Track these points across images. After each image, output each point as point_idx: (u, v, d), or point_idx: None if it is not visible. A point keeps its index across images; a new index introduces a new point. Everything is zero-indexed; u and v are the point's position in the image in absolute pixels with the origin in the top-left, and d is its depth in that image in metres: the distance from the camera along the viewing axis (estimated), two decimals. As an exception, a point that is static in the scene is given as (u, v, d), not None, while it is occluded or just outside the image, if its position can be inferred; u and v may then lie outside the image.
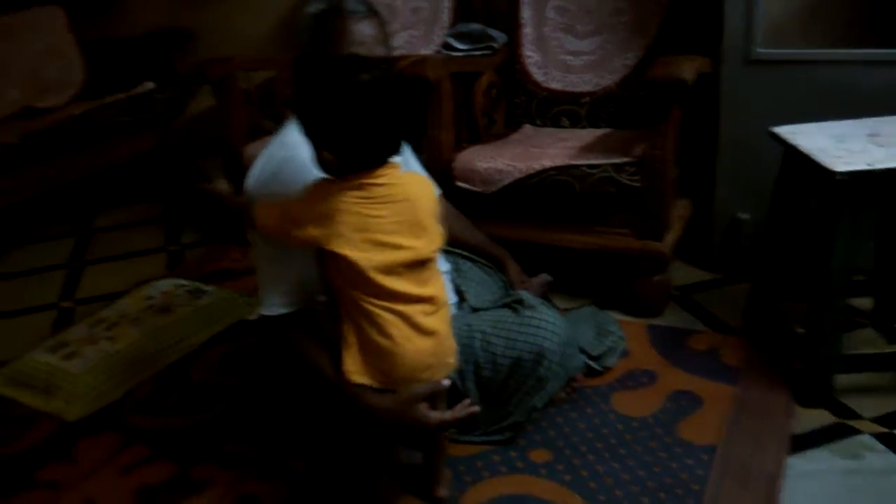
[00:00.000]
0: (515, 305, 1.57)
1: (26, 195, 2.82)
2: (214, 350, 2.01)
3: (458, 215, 1.86)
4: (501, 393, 1.54)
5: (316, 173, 1.24)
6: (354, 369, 1.25)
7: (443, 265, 1.62)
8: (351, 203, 1.19)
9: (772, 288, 1.88)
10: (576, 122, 2.36)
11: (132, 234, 2.95)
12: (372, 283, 1.20)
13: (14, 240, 2.94)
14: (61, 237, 2.95)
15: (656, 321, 2.00)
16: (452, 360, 1.34)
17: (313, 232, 1.20)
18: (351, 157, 1.19)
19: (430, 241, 1.26)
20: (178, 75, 3.30)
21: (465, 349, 1.50)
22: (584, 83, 2.36)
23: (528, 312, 1.54)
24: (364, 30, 1.38)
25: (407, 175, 1.28)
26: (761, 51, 1.99)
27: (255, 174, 1.40)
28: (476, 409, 1.36)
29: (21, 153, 2.74)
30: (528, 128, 2.39)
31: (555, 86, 2.39)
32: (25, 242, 2.93)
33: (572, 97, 2.36)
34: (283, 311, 1.37)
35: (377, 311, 1.22)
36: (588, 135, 2.23)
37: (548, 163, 1.97)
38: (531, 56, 2.43)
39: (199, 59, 2.86)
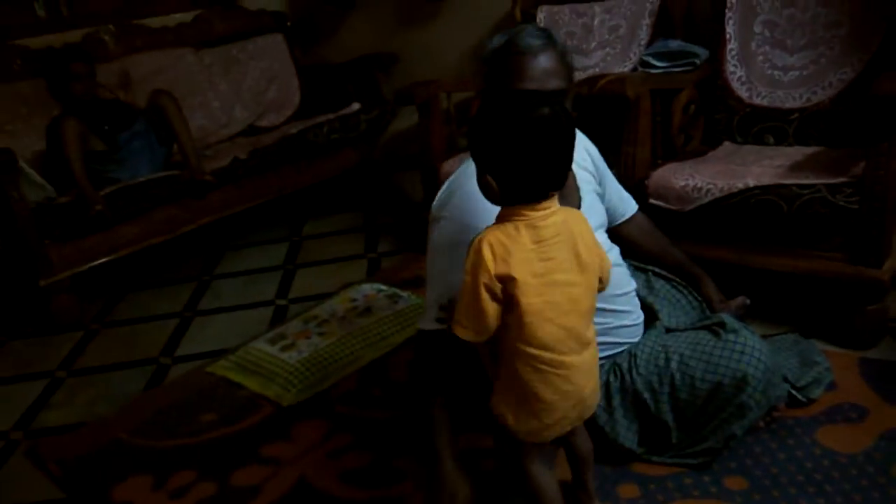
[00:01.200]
0: (716, 328, 1.53)
1: (248, 204, 3.16)
2: (410, 351, 2.14)
3: (653, 231, 1.85)
4: (699, 417, 1.50)
5: (482, 204, 1.23)
6: (505, 411, 1.26)
7: (629, 283, 1.62)
8: (529, 251, 1.16)
9: None
10: (782, 140, 2.25)
11: (336, 242, 3.21)
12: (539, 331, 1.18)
13: (236, 244, 3.30)
14: (277, 242, 3.27)
15: (869, 354, 1.85)
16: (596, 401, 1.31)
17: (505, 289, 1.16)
18: (517, 187, 1.17)
19: (592, 276, 1.23)
20: (382, 96, 3.54)
21: (661, 371, 1.49)
22: (792, 99, 2.25)
23: (730, 336, 1.49)
24: (538, 65, 1.41)
25: (565, 210, 1.23)
26: None
27: (439, 194, 1.52)
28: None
29: (248, 167, 3.08)
30: (728, 145, 2.31)
31: (760, 102, 2.30)
32: (245, 246, 3.28)
33: (779, 113, 2.26)
34: (440, 326, 1.37)
35: (538, 365, 1.20)
36: (796, 153, 2.11)
37: (752, 181, 1.90)
38: (734, 71, 2.35)
39: (402, 81, 3.06)
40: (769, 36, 2.32)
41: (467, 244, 1.19)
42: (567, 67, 1.47)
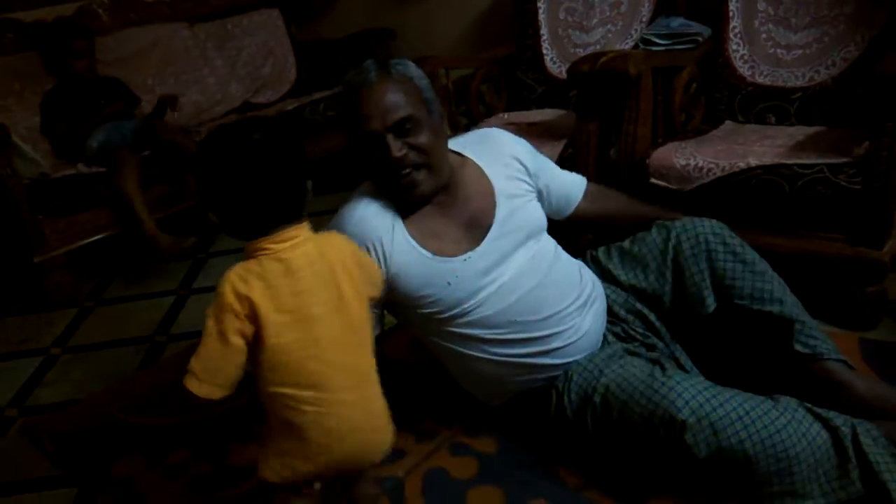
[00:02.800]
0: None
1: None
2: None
3: (608, 192, 1.79)
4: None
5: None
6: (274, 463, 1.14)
7: (561, 301, 1.49)
8: (275, 286, 1.08)
9: None
10: (784, 119, 2.23)
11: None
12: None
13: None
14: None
15: (869, 335, 1.85)
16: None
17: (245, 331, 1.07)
18: (236, 219, 1.10)
19: (360, 304, 1.16)
20: (379, 73, 3.50)
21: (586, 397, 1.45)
22: (795, 78, 2.22)
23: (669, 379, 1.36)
24: (371, 99, 1.38)
25: (321, 237, 1.16)
26: None
27: None
28: None
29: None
30: (729, 124, 2.29)
31: (762, 80, 2.27)
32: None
33: (781, 92, 2.23)
34: None
35: (303, 407, 1.10)
36: (798, 132, 2.09)
37: (754, 161, 1.88)
38: (737, 50, 2.32)
39: (400, 57, 3.03)
40: (773, 14, 2.28)
41: None
42: (415, 92, 1.41)
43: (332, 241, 1.19)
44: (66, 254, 2.65)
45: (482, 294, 1.45)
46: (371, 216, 1.44)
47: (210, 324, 1.07)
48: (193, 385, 1.08)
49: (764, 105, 2.27)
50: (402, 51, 3.34)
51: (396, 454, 1.60)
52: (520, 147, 1.62)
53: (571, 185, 1.73)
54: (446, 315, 1.47)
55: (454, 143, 1.57)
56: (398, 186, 1.44)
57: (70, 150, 2.86)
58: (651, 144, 2.12)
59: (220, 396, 1.08)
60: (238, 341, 1.07)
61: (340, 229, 1.40)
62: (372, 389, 1.19)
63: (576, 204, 1.73)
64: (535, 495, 1.45)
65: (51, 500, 1.64)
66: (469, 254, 1.45)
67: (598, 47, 2.58)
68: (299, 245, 1.11)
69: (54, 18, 3.08)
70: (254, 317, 1.06)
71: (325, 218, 3.20)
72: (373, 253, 1.42)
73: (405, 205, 1.47)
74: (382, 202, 1.47)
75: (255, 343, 1.08)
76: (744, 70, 2.31)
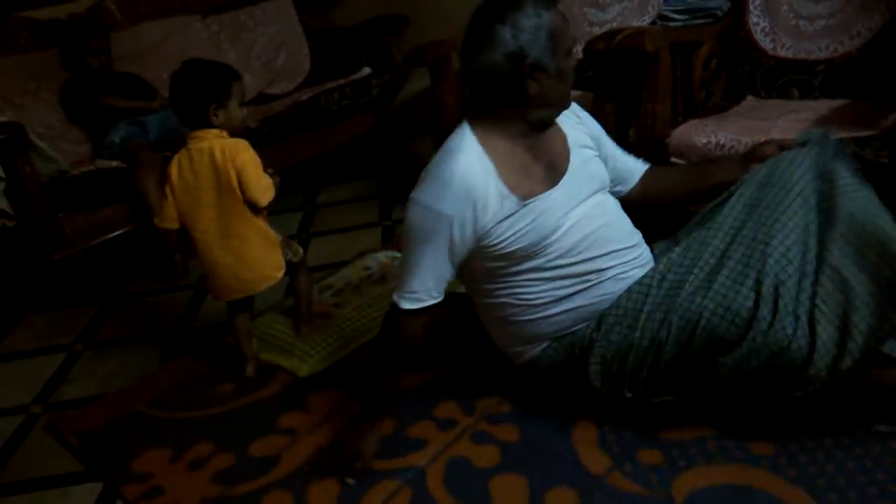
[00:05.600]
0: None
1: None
2: (426, 318, 2.10)
3: (671, 171, 1.75)
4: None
5: (449, 190, 1.40)
6: None
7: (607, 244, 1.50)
8: (183, 162, 1.79)
9: None
10: (807, 93, 2.17)
11: (351, 210, 3.18)
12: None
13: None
14: (291, 211, 3.24)
15: None
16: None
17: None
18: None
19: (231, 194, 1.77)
20: (393, 60, 3.47)
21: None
22: (818, 50, 2.16)
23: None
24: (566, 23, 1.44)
25: (223, 141, 1.75)
26: None
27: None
28: None
29: (259, 136, 3.04)
30: (751, 99, 2.24)
31: (784, 54, 2.21)
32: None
33: (804, 65, 2.17)
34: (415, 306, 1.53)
35: (199, 245, 1.86)
36: (823, 106, 2.03)
37: (778, 136, 1.82)
38: (758, 23, 2.26)
39: (413, 44, 2.99)
40: (795, -17, 2.22)
41: (437, 230, 1.39)
42: None
43: (229, 146, 1.76)
44: (87, 250, 2.66)
45: (559, 232, 1.46)
46: (472, 173, 1.41)
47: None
48: (157, 221, 1.90)
49: (787, 79, 2.21)
50: (414, 36, 3.31)
51: (418, 443, 1.60)
52: (582, 112, 1.66)
53: (632, 165, 1.71)
54: (522, 254, 1.46)
55: None
56: (559, 108, 1.49)
57: (96, 134, 2.87)
58: (671, 123, 2.08)
59: (168, 226, 1.86)
60: (168, 192, 1.83)
61: (445, 185, 1.40)
62: (241, 243, 1.82)
63: (630, 186, 1.70)
64: (557, 483, 1.43)
65: (76, 496, 1.65)
66: (551, 192, 1.47)
67: (614, 24, 2.52)
68: (202, 142, 1.77)
69: (68, 16, 3.09)
70: (168, 180, 1.81)
71: (344, 207, 3.21)
72: (470, 214, 1.41)
73: (501, 144, 1.45)
74: (479, 148, 1.45)
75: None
76: (765, 43, 2.25)
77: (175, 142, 2.77)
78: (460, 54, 1.49)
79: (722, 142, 1.91)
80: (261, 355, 2.03)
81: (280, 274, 1.90)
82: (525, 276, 1.50)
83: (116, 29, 3.20)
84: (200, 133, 1.77)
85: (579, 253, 1.47)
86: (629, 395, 1.48)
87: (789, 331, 1.28)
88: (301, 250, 1.99)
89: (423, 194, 1.43)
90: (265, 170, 1.82)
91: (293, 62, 3.73)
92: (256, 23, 3.67)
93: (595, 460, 1.47)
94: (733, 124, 1.98)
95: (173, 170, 1.80)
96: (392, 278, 2.26)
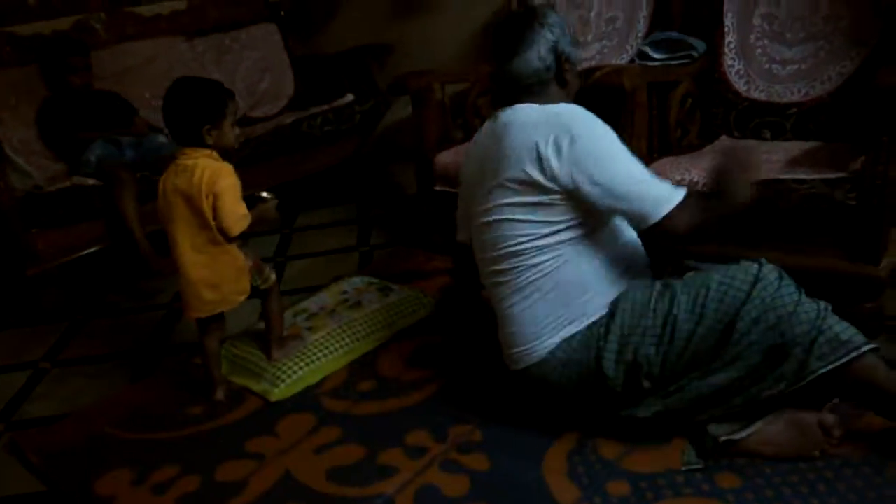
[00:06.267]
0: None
1: (240, 195, 3.11)
2: (401, 345, 2.11)
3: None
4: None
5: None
6: None
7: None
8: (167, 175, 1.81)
9: None
10: (779, 134, 2.22)
11: (329, 234, 3.18)
12: None
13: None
14: (268, 233, 3.23)
15: (866, 352, 1.82)
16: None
17: None
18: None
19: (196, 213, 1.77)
20: (376, 87, 3.50)
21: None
22: (791, 93, 2.22)
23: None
24: None
25: (207, 162, 1.75)
26: None
27: None
28: None
29: (240, 157, 3.03)
30: (725, 139, 2.29)
31: (758, 96, 2.27)
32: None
33: (777, 108, 2.23)
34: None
35: None
36: (794, 147, 2.09)
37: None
38: (732, 65, 2.32)
39: (396, 72, 3.03)
40: (768, 29, 2.28)
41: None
42: None
43: (214, 170, 1.76)
44: (60, 267, 2.63)
45: None
46: None
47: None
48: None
49: (759, 120, 2.26)
50: (398, 64, 3.35)
51: (387, 471, 1.58)
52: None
53: None
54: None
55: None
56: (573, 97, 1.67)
57: (70, 158, 2.86)
58: (647, 160, 2.11)
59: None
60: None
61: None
62: (210, 261, 1.82)
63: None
64: (526, 514, 1.43)
65: (35, 517, 1.62)
66: None
67: (594, 62, 2.58)
68: (189, 160, 1.77)
69: (52, 32, 3.08)
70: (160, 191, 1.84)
71: (323, 231, 3.21)
72: None
73: None
74: None
75: None
76: (739, 85, 2.31)
77: (151, 164, 2.79)
78: (494, 59, 1.63)
79: (695, 179, 1.94)
80: (231, 378, 2.01)
81: (242, 298, 1.89)
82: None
83: (100, 47, 3.20)
84: (190, 151, 1.77)
85: None
86: (647, 384, 1.50)
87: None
88: (273, 277, 1.98)
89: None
90: (261, 193, 1.86)
91: (277, 86, 3.74)
92: (242, 46, 3.68)
93: (564, 491, 1.47)
94: (706, 163, 2.01)
95: (161, 179, 1.82)
96: (368, 304, 2.25)
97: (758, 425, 1.48)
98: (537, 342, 1.58)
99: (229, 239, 1.81)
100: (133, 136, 2.92)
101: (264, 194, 1.91)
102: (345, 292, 2.36)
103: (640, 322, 1.50)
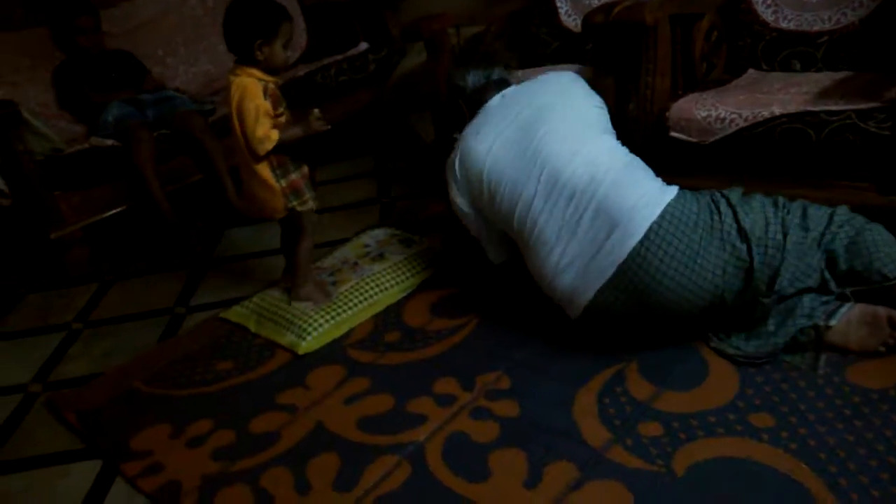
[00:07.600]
0: None
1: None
2: (426, 295, 2.10)
3: None
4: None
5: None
6: None
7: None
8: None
9: None
10: (809, 65, 2.14)
11: (349, 187, 3.15)
12: None
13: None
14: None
15: (901, 286, 1.79)
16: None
17: None
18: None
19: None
20: (390, 35, 3.42)
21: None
22: (821, 21, 2.13)
23: None
24: None
25: (244, 80, 1.82)
26: None
27: None
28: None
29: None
30: (752, 72, 2.21)
31: (786, 25, 2.18)
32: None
33: (806, 37, 2.14)
34: None
35: None
36: (825, 78, 2.01)
37: (778, 109, 1.80)
38: (759, -6, 2.23)
39: (410, 18, 2.95)
40: (796, -47, 2.18)
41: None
42: None
43: (242, 88, 1.82)
44: (85, 229, 2.65)
45: None
46: None
47: None
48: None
49: (788, 51, 2.18)
50: (411, 10, 3.27)
51: (417, 419, 1.59)
52: None
53: None
54: None
55: None
56: None
57: (89, 120, 2.86)
58: (670, 97, 2.05)
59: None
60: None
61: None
62: (248, 176, 1.93)
63: None
64: (557, 457, 1.43)
65: (75, 474, 1.65)
66: None
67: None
68: (236, 78, 1.84)
69: (61, -9, 3.04)
70: None
71: (342, 184, 3.19)
72: None
73: None
74: None
75: None
76: (767, 15, 2.22)
77: (171, 121, 2.78)
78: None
79: (722, 115, 1.89)
80: (259, 331, 2.02)
81: (278, 216, 1.98)
82: None
83: (109, 6, 3.16)
84: (240, 69, 1.84)
85: None
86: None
87: None
88: (311, 203, 1.99)
89: None
90: (319, 116, 1.96)
91: (289, 38, 3.67)
92: (252, -3, 3.61)
93: (595, 434, 1.47)
94: (734, 97, 1.95)
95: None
96: (391, 255, 2.24)
97: (842, 311, 1.56)
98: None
99: (257, 158, 1.86)
100: (148, 93, 2.90)
101: (315, 111, 1.96)
102: (367, 245, 2.35)
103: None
